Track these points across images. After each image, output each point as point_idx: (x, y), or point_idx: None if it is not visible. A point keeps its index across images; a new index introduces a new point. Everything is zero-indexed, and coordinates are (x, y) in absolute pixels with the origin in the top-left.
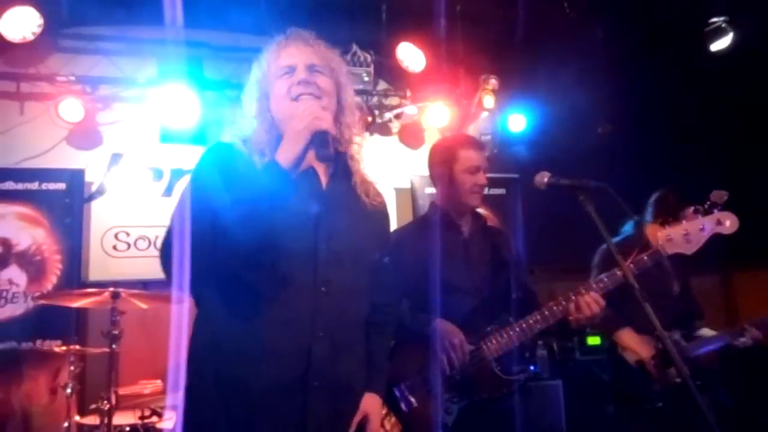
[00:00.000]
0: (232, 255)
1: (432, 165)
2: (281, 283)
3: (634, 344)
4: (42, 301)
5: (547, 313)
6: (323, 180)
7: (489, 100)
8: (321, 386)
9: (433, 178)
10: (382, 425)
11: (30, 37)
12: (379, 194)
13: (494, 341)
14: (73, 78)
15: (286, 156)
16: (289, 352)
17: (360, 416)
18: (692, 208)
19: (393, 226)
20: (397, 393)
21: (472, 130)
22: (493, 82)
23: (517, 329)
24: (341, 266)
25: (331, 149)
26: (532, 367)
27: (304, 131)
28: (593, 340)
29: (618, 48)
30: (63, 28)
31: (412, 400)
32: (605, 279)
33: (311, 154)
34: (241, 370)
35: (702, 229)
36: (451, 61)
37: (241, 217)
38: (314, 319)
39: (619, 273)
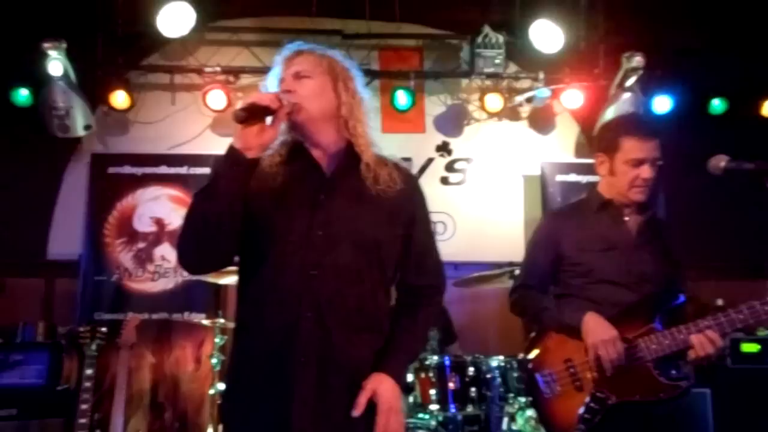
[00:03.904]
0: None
1: (594, 150)
2: (276, 268)
3: None
4: (193, 276)
5: (723, 319)
6: (327, 171)
7: (632, 80)
8: (308, 362)
9: (596, 164)
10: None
11: (184, 32)
12: (394, 180)
13: (655, 342)
14: (218, 69)
15: (233, 134)
16: (278, 328)
17: (367, 395)
18: None
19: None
20: (540, 379)
21: (612, 112)
22: (638, 59)
23: (684, 332)
24: (337, 250)
25: (243, 115)
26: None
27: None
28: (749, 347)
29: None
30: (210, 22)
31: (555, 388)
32: None
33: (318, 153)
34: (248, 345)
35: None
36: (590, 39)
37: (204, 198)
38: (301, 300)
39: None
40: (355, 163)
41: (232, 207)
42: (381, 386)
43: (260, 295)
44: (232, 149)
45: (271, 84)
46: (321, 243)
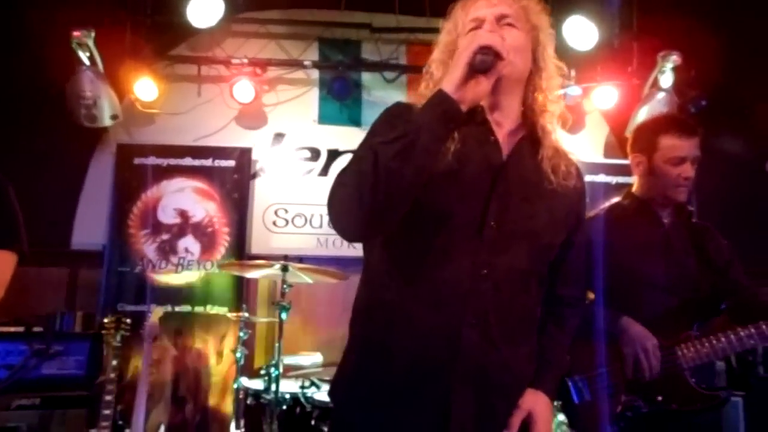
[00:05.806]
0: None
1: (630, 151)
2: (437, 256)
3: None
4: (221, 269)
5: (766, 328)
6: (504, 150)
7: (667, 80)
8: (468, 377)
9: (631, 165)
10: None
11: (212, 23)
12: (570, 175)
13: (692, 349)
14: (245, 60)
15: (450, 80)
16: (436, 334)
17: (522, 415)
18: None
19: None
20: (571, 384)
21: (645, 112)
22: (674, 58)
23: (723, 340)
24: (510, 250)
25: (490, 59)
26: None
27: (465, 50)
28: None
29: None
30: (238, 13)
31: (586, 394)
32: None
33: (496, 121)
34: (387, 339)
35: None
36: (624, 37)
37: (397, 152)
38: (467, 304)
39: None
40: (535, 146)
41: (428, 169)
42: (537, 406)
43: (410, 285)
44: (448, 100)
45: (458, 21)
46: (494, 237)
